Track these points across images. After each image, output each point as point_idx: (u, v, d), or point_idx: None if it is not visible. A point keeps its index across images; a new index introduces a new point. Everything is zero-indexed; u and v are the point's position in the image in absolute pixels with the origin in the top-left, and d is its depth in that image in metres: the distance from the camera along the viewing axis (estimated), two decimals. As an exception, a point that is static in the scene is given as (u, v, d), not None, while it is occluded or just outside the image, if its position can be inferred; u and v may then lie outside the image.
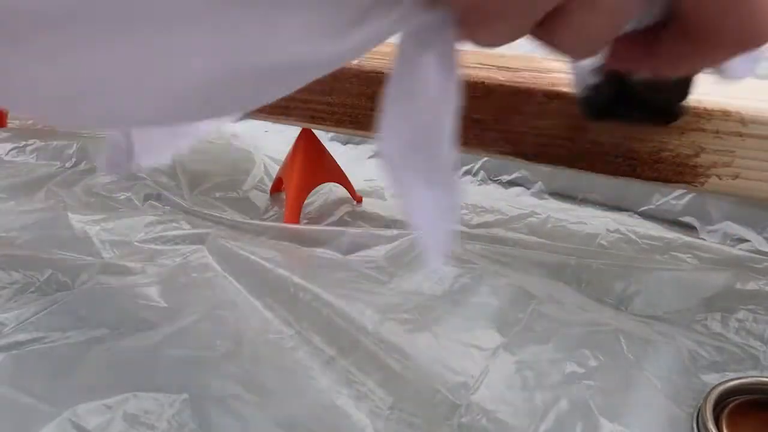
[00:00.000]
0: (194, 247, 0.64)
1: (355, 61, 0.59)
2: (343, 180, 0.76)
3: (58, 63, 0.25)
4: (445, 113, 0.26)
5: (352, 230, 0.67)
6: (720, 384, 0.45)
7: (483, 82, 0.54)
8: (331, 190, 0.79)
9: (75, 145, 0.87)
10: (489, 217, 0.74)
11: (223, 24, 0.21)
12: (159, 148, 0.50)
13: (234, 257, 0.60)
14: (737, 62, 0.26)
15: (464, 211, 0.75)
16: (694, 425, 0.43)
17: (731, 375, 0.47)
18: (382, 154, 0.29)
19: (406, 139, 0.29)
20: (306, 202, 0.73)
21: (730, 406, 0.44)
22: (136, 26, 0.22)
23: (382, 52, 0.66)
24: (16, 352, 0.47)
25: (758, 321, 0.53)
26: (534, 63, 0.60)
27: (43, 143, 0.89)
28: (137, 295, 0.55)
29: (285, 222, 0.70)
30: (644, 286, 0.58)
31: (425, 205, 0.35)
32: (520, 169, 0.84)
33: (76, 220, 0.69)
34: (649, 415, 0.44)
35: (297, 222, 0.70)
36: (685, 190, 0.71)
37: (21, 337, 0.49)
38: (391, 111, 0.26)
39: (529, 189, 0.82)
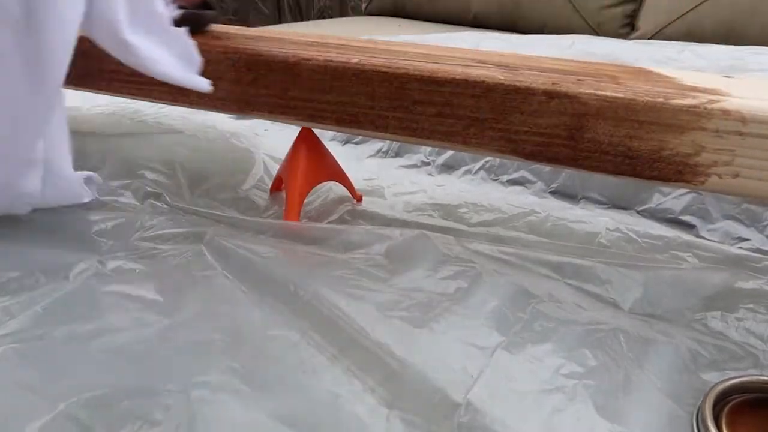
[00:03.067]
0: (194, 245, 0.64)
1: (355, 60, 0.59)
2: (343, 179, 0.76)
3: None
4: None
5: (352, 228, 0.67)
6: (720, 383, 0.45)
7: (483, 81, 0.54)
8: (331, 188, 0.79)
9: (74, 144, 0.87)
10: (488, 216, 0.74)
11: None
12: None
13: (233, 256, 0.60)
14: None
15: (464, 210, 0.75)
16: (694, 424, 0.43)
17: (731, 373, 0.48)
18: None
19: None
20: (306, 201, 0.73)
21: (730, 404, 0.44)
22: None
23: (382, 50, 0.66)
24: (14, 345, 0.47)
25: (758, 320, 0.54)
26: (534, 61, 0.60)
27: (42, 142, 0.89)
28: (136, 293, 0.55)
29: (285, 220, 0.70)
30: (644, 284, 0.58)
31: (162, 56, 0.53)
32: (520, 168, 0.84)
33: (75, 216, 0.69)
34: (648, 414, 0.44)
35: (297, 221, 0.70)
36: (685, 189, 0.71)
37: (17, 331, 0.49)
38: None
39: (528, 188, 0.82)
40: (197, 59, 0.58)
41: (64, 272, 0.57)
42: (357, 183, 0.78)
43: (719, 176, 0.49)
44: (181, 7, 0.62)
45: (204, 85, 0.57)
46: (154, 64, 0.54)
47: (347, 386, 0.45)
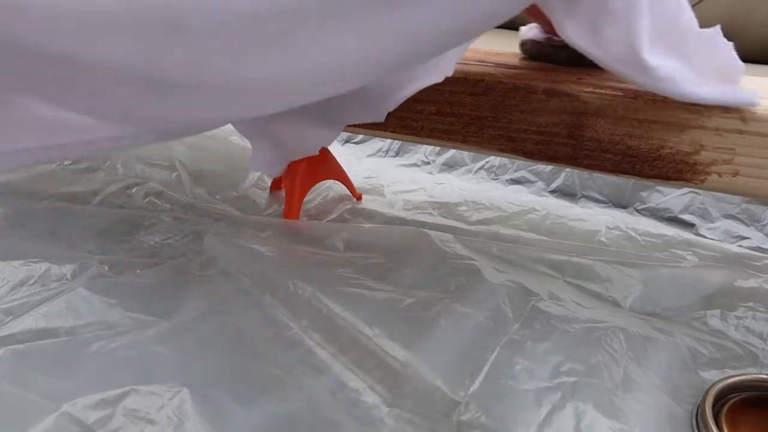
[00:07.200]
0: (194, 244, 0.64)
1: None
2: (342, 177, 0.76)
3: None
4: None
5: (351, 227, 0.67)
6: (719, 381, 0.46)
7: (483, 80, 0.54)
8: (331, 187, 0.79)
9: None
10: (488, 214, 0.74)
11: None
12: (309, 142, 0.52)
13: (233, 254, 0.60)
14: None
15: (463, 208, 0.75)
16: (694, 422, 0.43)
17: (731, 372, 0.48)
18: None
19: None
20: (306, 199, 0.73)
21: (730, 403, 0.44)
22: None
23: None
24: (15, 346, 0.47)
25: (757, 318, 0.54)
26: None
27: (42, 140, 0.89)
28: (137, 292, 0.55)
29: (284, 219, 0.70)
30: (644, 283, 0.58)
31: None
32: (520, 168, 0.84)
33: (77, 216, 0.69)
34: (648, 413, 0.44)
35: (297, 219, 0.70)
36: (685, 188, 0.71)
37: (20, 331, 0.49)
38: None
39: (528, 187, 0.83)
40: (737, 66, 0.47)
41: (65, 272, 0.57)
42: (357, 181, 0.78)
43: (719, 174, 0.49)
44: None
45: (752, 98, 0.47)
46: (680, 84, 0.46)
47: (347, 385, 0.45)
